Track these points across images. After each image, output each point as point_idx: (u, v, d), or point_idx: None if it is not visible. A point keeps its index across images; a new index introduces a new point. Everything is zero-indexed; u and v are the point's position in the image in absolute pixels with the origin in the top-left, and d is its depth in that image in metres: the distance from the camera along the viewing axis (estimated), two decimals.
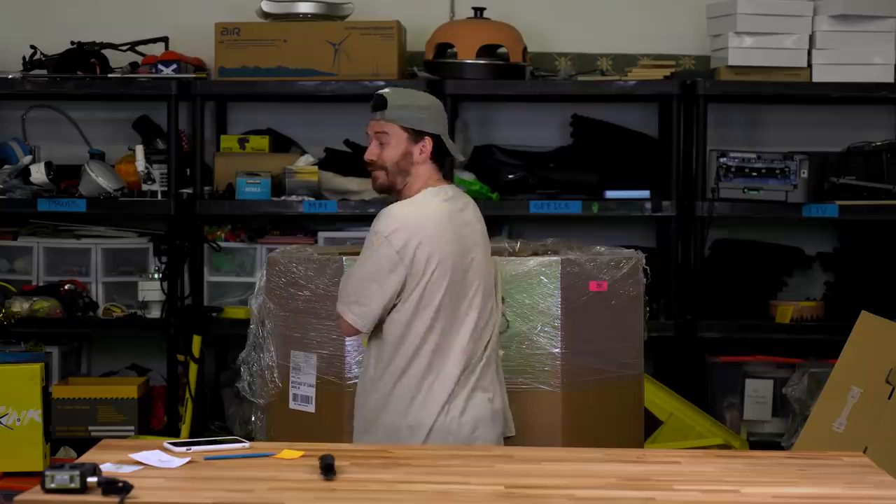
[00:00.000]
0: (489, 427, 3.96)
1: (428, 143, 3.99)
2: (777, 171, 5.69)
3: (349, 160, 6.11)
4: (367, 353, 4.02)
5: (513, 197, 5.88)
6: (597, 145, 6.10)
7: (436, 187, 4.01)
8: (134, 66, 5.94)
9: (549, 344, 4.37)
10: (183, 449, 3.52)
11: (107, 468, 3.27)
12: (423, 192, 3.99)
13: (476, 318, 3.95)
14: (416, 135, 3.98)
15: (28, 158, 6.04)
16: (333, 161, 6.10)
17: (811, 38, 5.79)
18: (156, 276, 5.95)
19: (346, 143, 6.18)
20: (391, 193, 4.05)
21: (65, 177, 6.00)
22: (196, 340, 5.82)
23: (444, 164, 4.10)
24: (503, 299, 4.25)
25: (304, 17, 5.94)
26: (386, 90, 4.06)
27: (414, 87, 5.83)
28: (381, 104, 3.99)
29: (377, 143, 4.00)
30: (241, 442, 3.66)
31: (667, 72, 5.94)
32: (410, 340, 3.90)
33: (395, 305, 3.90)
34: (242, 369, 4.69)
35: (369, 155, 4.02)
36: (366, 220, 5.90)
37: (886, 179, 5.82)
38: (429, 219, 3.92)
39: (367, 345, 4.02)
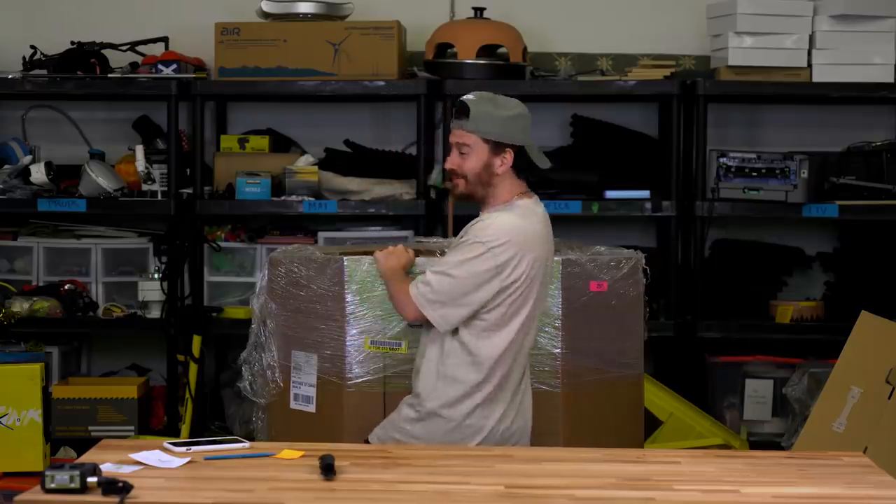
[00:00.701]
0: (526, 437, 4.01)
1: (509, 156, 3.92)
2: (777, 171, 5.69)
3: (349, 160, 6.12)
4: (434, 346, 3.97)
5: None
6: (597, 145, 6.10)
7: (531, 199, 3.98)
8: (134, 66, 5.94)
9: (550, 344, 4.36)
10: (183, 449, 3.52)
11: (107, 468, 3.27)
12: (522, 204, 3.96)
13: (536, 328, 4.05)
14: (498, 147, 3.92)
15: (28, 158, 6.04)
16: (333, 161, 6.10)
17: (811, 38, 5.79)
18: (156, 276, 5.95)
19: (346, 143, 6.18)
20: (472, 202, 4.01)
21: (65, 177, 6.00)
22: (196, 340, 5.82)
23: (531, 172, 4.01)
24: None
25: (304, 17, 5.94)
26: (470, 97, 3.95)
27: (413, 87, 5.84)
28: (463, 112, 3.92)
29: (458, 152, 3.94)
30: (241, 442, 3.66)
31: (667, 72, 5.94)
32: (492, 348, 3.90)
33: (476, 311, 3.90)
34: (244, 369, 4.68)
35: (449, 164, 3.96)
36: (366, 220, 5.93)
37: (886, 179, 5.82)
38: (536, 236, 3.94)
39: (424, 340, 4.01)
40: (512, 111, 3.95)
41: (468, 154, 3.92)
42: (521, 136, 3.95)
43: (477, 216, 4.00)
